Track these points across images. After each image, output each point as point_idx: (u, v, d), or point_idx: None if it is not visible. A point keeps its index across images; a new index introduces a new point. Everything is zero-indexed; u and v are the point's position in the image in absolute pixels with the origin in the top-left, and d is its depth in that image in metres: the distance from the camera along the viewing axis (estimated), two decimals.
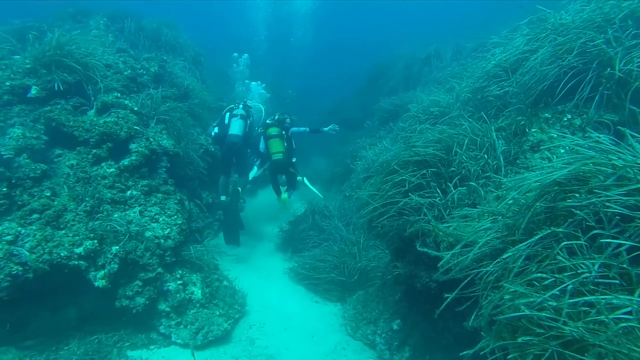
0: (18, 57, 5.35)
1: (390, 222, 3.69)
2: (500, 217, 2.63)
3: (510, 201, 2.46)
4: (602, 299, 1.67)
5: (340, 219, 6.37)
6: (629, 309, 1.63)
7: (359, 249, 5.37)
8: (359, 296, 4.94)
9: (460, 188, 3.34)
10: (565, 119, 3.66)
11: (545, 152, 3.23)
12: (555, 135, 3.62)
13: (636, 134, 2.14)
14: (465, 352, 2.31)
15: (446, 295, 2.55)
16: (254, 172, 7.03)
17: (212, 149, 6.53)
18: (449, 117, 5.10)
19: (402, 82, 10.73)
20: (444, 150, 3.71)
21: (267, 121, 6.90)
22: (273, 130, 6.50)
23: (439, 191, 3.35)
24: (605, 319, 1.64)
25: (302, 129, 6.79)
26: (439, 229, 2.89)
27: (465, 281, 2.47)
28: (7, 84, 4.51)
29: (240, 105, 6.54)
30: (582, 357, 1.73)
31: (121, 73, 5.55)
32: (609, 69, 3.35)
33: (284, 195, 6.55)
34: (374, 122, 9.04)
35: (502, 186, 3.07)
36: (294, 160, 6.62)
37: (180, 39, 9.55)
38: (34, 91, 4.50)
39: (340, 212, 6.59)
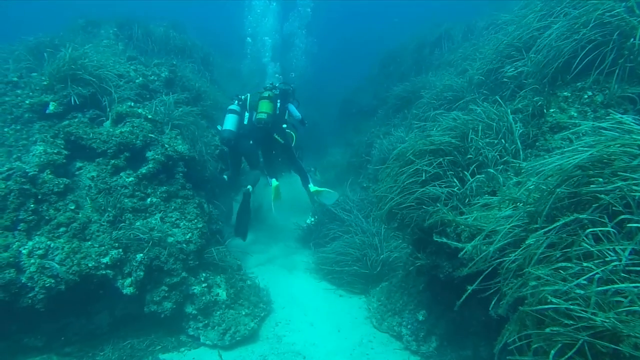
0: (35, 74, 5.51)
1: (410, 213, 3.65)
2: (521, 204, 2.56)
3: (532, 187, 2.38)
4: (634, 287, 1.61)
5: (360, 210, 6.35)
6: None
7: (380, 240, 5.35)
8: (382, 288, 4.94)
9: (478, 176, 3.26)
10: (586, 96, 3.52)
11: (567, 133, 3.10)
12: (575, 114, 3.49)
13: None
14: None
15: (468, 287, 2.51)
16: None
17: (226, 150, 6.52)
18: (463, 102, 4.99)
19: (413, 67, 10.51)
20: (459, 137, 3.62)
21: (265, 85, 6.56)
22: (266, 93, 6.10)
23: (456, 180, 3.28)
24: (639, 309, 1.59)
25: (297, 113, 6.50)
26: (456, 220, 2.84)
27: (487, 272, 2.43)
28: (27, 102, 4.65)
29: (235, 101, 6.49)
30: (616, 347, 1.68)
31: (133, 81, 5.63)
32: (632, 40, 3.19)
33: (274, 183, 6.08)
34: (387, 110, 8.92)
35: (522, 171, 2.99)
36: (284, 126, 6.15)
37: (188, 40, 9.61)
38: (52, 107, 4.62)
39: (359, 203, 6.55)
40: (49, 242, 3.61)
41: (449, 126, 3.79)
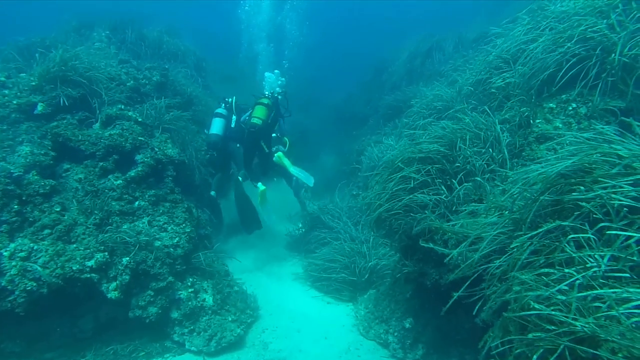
0: (24, 74, 5.45)
1: (398, 221, 3.67)
2: (506, 211, 2.60)
3: (515, 195, 2.42)
4: (612, 292, 1.64)
5: (349, 217, 6.36)
6: (639, 302, 1.60)
7: (369, 248, 5.36)
8: (370, 295, 4.93)
9: (465, 184, 3.31)
10: (571, 108, 3.60)
11: (552, 143, 3.17)
12: (560, 125, 3.57)
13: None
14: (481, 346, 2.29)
15: (454, 294, 2.53)
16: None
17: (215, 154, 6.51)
18: (452, 111, 5.06)
19: (405, 77, 10.67)
20: (447, 145, 3.67)
21: (265, 92, 6.60)
22: (264, 100, 6.13)
23: (444, 188, 3.32)
24: (616, 314, 1.62)
25: (282, 129, 6.61)
26: (444, 228, 2.87)
27: (472, 278, 2.45)
28: (15, 102, 4.59)
29: (222, 105, 6.51)
30: (595, 352, 1.71)
31: (124, 84, 5.61)
32: (613, 55, 3.29)
33: (261, 187, 6.00)
34: (379, 118, 9.01)
35: (508, 180, 3.04)
36: (273, 135, 6.20)
37: (181, 45, 9.64)
38: (40, 108, 4.58)
39: (349, 211, 6.57)
40: (32, 244, 3.55)
41: (437, 135, 3.85)
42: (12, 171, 3.74)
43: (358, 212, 6.16)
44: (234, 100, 6.50)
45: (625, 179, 1.81)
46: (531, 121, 3.79)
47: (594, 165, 1.99)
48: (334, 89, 16.03)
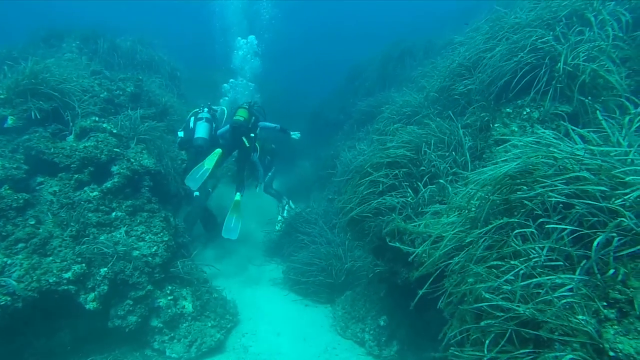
0: None
1: (368, 223, 3.86)
2: (465, 211, 2.82)
3: (469, 195, 2.64)
4: (547, 279, 1.86)
5: (325, 222, 6.53)
6: (570, 286, 1.82)
7: (344, 250, 5.53)
8: (346, 296, 5.10)
9: (430, 186, 3.52)
10: (525, 113, 3.88)
11: (508, 145, 3.42)
12: (516, 129, 3.85)
13: (575, 127, 2.35)
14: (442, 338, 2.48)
15: (419, 291, 2.72)
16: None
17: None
18: (420, 116, 5.30)
19: (378, 82, 10.95)
20: (414, 150, 3.89)
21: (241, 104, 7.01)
22: (245, 105, 6.70)
23: (410, 191, 3.52)
24: (551, 298, 1.83)
25: (272, 125, 6.89)
26: (408, 228, 3.07)
27: (435, 275, 2.65)
28: None
29: (205, 109, 6.64)
30: (537, 333, 1.92)
31: (98, 96, 5.61)
32: (559, 64, 3.58)
33: (237, 197, 6.23)
34: (353, 124, 9.24)
35: (468, 181, 3.27)
36: (252, 135, 6.56)
37: (155, 55, 9.61)
38: (10, 121, 4.56)
39: (325, 215, 6.74)
40: (5, 259, 3.54)
41: (405, 140, 4.06)
42: None
43: (334, 216, 6.32)
44: (226, 111, 7.04)
45: (559, 178, 2.03)
46: (491, 125, 4.06)
47: (535, 167, 2.21)
48: (309, 95, 16.22)
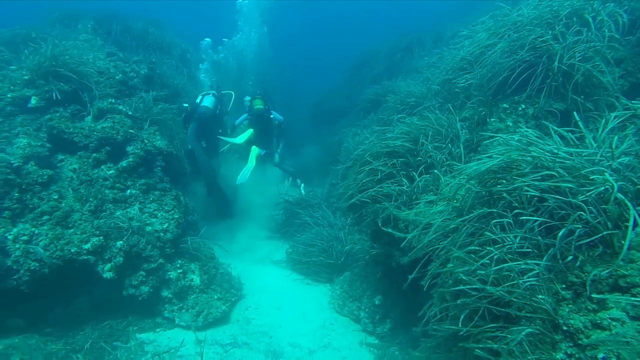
0: (13, 67, 5.64)
1: (367, 209, 4.10)
2: (453, 201, 3.05)
3: (455, 187, 2.87)
4: (516, 265, 2.10)
5: (328, 206, 6.80)
6: (536, 271, 2.06)
7: (345, 234, 5.81)
8: (345, 277, 5.40)
9: (425, 176, 3.75)
10: (520, 109, 4.06)
11: (494, 142, 3.61)
12: (510, 124, 4.03)
13: (556, 127, 2.55)
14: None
15: (409, 276, 2.99)
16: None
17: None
18: (422, 107, 5.48)
19: (385, 71, 11.04)
20: (412, 141, 4.10)
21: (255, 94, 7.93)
22: (259, 95, 7.78)
23: (405, 180, 3.75)
24: (519, 282, 2.08)
25: (279, 116, 7.75)
26: (400, 216, 3.32)
27: (423, 260, 2.91)
28: (9, 95, 4.83)
29: (213, 91, 6.97)
30: (507, 310, 2.18)
31: (113, 78, 5.85)
32: (555, 63, 3.73)
33: (259, 150, 7.21)
34: (359, 111, 9.39)
35: (459, 173, 3.49)
36: (271, 116, 7.64)
37: (166, 37, 9.79)
38: (33, 101, 4.82)
39: (328, 199, 7.00)
40: (33, 229, 3.87)
41: (404, 131, 4.27)
42: (12, 162, 4.03)
43: (336, 201, 6.58)
44: (233, 94, 7.80)
45: (534, 174, 2.25)
46: (487, 119, 4.25)
47: (514, 164, 2.43)
48: (316, 84, 16.38)
